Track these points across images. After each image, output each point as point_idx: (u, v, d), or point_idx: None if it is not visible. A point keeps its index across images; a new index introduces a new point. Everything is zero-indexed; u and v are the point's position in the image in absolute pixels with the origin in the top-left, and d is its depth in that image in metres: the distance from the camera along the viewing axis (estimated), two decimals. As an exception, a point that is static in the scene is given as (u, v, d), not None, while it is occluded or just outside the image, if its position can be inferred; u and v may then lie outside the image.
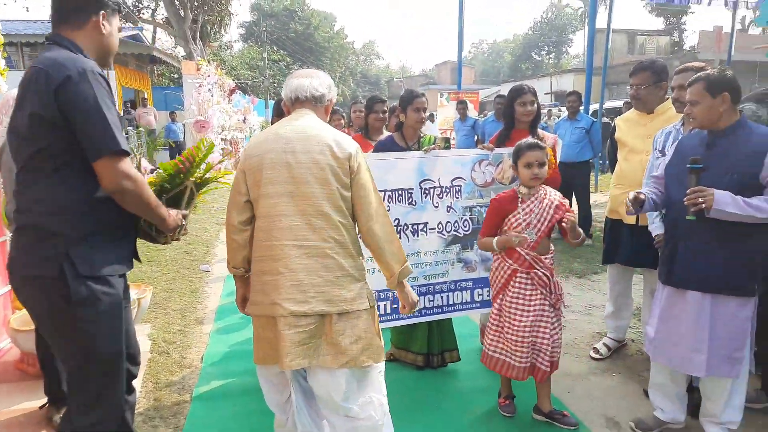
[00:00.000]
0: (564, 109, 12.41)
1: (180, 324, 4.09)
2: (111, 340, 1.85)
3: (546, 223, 2.63)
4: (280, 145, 1.97)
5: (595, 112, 9.80)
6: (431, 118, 12.80)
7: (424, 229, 3.17)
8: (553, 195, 2.71)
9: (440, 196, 3.18)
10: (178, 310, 4.38)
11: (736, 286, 2.29)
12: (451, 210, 3.20)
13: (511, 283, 2.67)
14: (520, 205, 2.66)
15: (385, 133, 3.77)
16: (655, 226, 2.90)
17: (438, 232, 3.19)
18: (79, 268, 1.72)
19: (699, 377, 2.48)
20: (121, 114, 11.29)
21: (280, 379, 2.14)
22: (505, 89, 23.70)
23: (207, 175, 2.28)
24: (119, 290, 1.85)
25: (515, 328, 2.64)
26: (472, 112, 10.41)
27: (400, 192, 3.09)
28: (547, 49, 50.38)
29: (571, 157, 6.31)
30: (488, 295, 3.16)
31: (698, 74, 2.37)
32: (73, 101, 1.68)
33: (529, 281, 2.63)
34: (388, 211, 3.04)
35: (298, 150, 1.96)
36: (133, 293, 3.60)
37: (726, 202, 2.16)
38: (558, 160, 3.40)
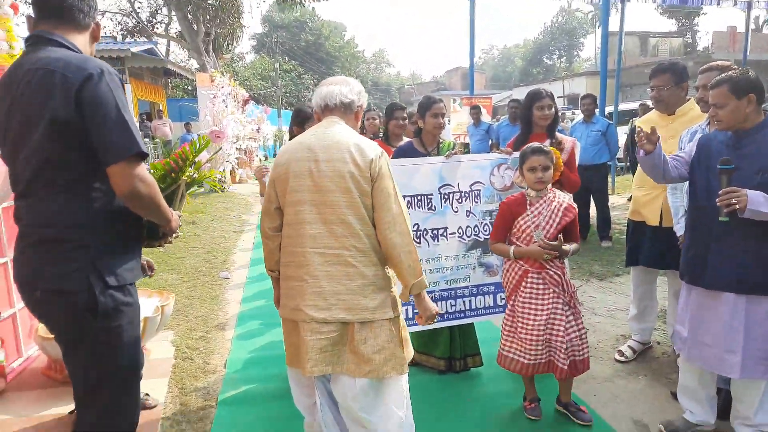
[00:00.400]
0: (577, 112, 12.36)
1: (202, 330, 4.12)
2: (132, 349, 1.86)
3: (555, 225, 2.65)
4: (304, 154, 2.00)
5: (610, 115, 9.73)
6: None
7: (444, 234, 3.17)
8: (562, 197, 2.72)
9: (459, 200, 3.19)
10: (200, 316, 4.41)
11: (770, 286, 2.25)
12: (471, 214, 3.20)
13: (523, 283, 2.70)
14: (528, 207, 2.70)
15: (405, 140, 3.78)
16: (680, 226, 2.87)
17: (458, 236, 3.19)
18: (107, 279, 1.72)
19: (730, 378, 2.45)
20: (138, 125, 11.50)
21: (308, 382, 2.16)
22: (517, 93, 23.63)
23: (194, 175, 2.29)
24: (137, 298, 1.87)
25: (529, 326, 2.65)
26: (486, 117, 10.41)
27: (419, 197, 3.10)
28: (558, 53, 50.26)
29: (588, 159, 6.27)
30: (511, 299, 3.15)
31: (721, 76, 2.34)
32: (95, 102, 1.62)
33: (541, 281, 2.66)
34: (408, 216, 3.05)
35: (320, 158, 1.97)
36: (156, 300, 3.65)
37: (759, 202, 2.13)
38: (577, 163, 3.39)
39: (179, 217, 2.04)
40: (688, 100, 3.22)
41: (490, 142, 8.86)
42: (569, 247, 2.68)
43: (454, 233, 3.19)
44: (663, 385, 3.12)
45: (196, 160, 2.22)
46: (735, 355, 2.30)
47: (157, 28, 22.41)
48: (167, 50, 24.58)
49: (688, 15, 35.81)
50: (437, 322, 3.15)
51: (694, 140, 2.61)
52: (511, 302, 2.77)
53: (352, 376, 1.97)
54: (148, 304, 3.58)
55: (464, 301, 3.24)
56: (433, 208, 3.14)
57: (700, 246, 2.42)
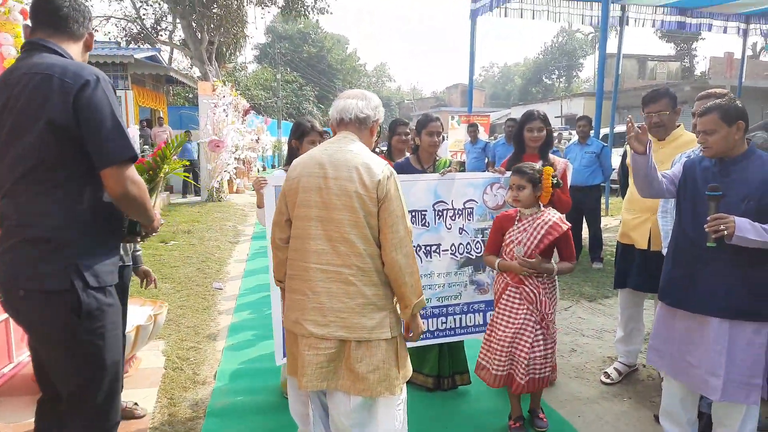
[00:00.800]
0: (575, 132, 12.48)
1: (193, 340, 4.14)
2: (115, 350, 1.89)
3: (535, 242, 2.73)
4: (314, 170, 2.02)
5: (605, 137, 9.85)
6: (442, 139, 12.92)
7: (437, 250, 3.22)
8: (550, 216, 2.79)
9: (453, 218, 3.24)
10: (192, 326, 4.43)
11: (755, 312, 2.30)
12: (464, 232, 3.25)
13: (504, 295, 2.83)
14: (517, 223, 2.83)
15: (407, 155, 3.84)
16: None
17: (451, 253, 3.24)
18: (89, 279, 1.75)
19: (710, 402, 2.48)
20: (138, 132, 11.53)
21: (305, 392, 2.18)
22: (515, 112, 23.86)
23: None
24: (117, 299, 1.91)
25: (498, 337, 2.78)
26: (483, 135, 10.51)
27: (414, 213, 3.15)
28: (557, 73, 50.74)
29: (582, 181, 6.35)
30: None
31: (710, 104, 2.40)
32: (91, 107, 1.68)
33: (517, 295, 2.77)
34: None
35: (329, 175, 1.98)
36: (149, 309, 3.67)
37: (747, 229, 2.19)
38: (569, 184, 3.46)
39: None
40: (678, 126, 3.29)
41: (486, 160, 8.95)
42: (549, 265, 2.76)
43: (447, 250, 3.23)
44: (647, 408, 3.16)
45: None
46: (717, 378, 2.34)
47: (161, 35, 22.57)
48: (170, 57, 24.74)
49: (687, 40, 36.30)
50: (427, 339, 3.19)
51: (680, 162, 2.66)
52: (494, 313, 2.90)
53: (347, 392, 1.99)
54: (140, 312, 3.61)
55: (455, 319, 3.28)
56: (427, 224, 3.18)
57: (685, 270, 2.47)
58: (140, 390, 3.25)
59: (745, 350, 2.32)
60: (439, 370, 3.35)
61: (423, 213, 3.18)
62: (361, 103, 2.12)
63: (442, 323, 3.25)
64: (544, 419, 2.92)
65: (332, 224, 1.97)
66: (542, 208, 2.85)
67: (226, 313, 4.87)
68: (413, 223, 3.14)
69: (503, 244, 2.86)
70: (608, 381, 3.47)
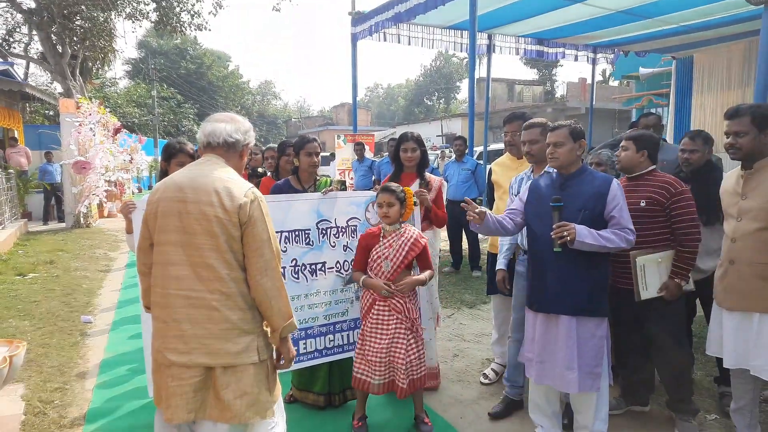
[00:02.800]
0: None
1: (59, 381, 3.76)
2: None
3: (401, 257, 2.92)
4: (174, 194, 1.96)
5: (481, 154, 10.57)
6: (332, 156, 13.04)
7: (323, 268, 3.25)
8: (411, 232, 3.00)
9: (336, 235, 3.30)
10: (56, 366, 4.02)
11: (594, 308, 2.62)
12: (348, 249, 3.32)
13: (372, 310, 2.95)
14: (381, 239, 2.97)
15: None
16: (502, 261, 3.32)
17: (336, 271, 3.29)
18: None
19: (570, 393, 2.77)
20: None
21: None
22: (399, 131, 24.67)
23: None
24: None
25: (374, 349, 2.90)
26: (369, 153, 10.78)
27: (297, 233, 3.17)
28: (437, 94, 53.49)
29: (459, 195, 6.77)
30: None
31: (560, 122, 2.75)
32: None
33: (386, 309, 2.93)
34: (285, 252, 3.10)
35: (189, 199, 1.93)
36: (4, 350, 3.28)
37: (585, 235, 2.50)
38: (446, 199, 3.69)
39: None
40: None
41: (373, 177, 9.19)
42: (419, 277, 2.96)
43: (332, 267, 3.28)
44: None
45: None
46: (573, 372, 2.61)
47: (14, 48, 20.37)
48: (26, 72, 22.40)
49: (548, 66, 40.20)
50: (316, 357, 3.20)
51: (525, 186, 2.99)
52: (362, 327, 3.01)
53: (215, 421, 1.94)
54: (-8, 355, 3.22)
55: (342, 336, 3.32)
56: (311, 243, 3.21)
57: (538, 275, 2.76)
58: (-7, 442, 2.89)
59: (589, 343, 2.63)
60: (330, 388, 3.36)
61: (306, 232, 3.20)
62: (230, 127, 2.08)
63: (330, 341, 3.28)
64: (429, 423, 3.05)
65: (193, 249, 1.92)
66: (403, 225, 3.03)
67: (96, 349, 4.48)
68: (296, 243, 3.16)
69: (370, 260, 2.99)
70: (486, 381, 3.71)
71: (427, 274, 3.00)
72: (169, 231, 1.94)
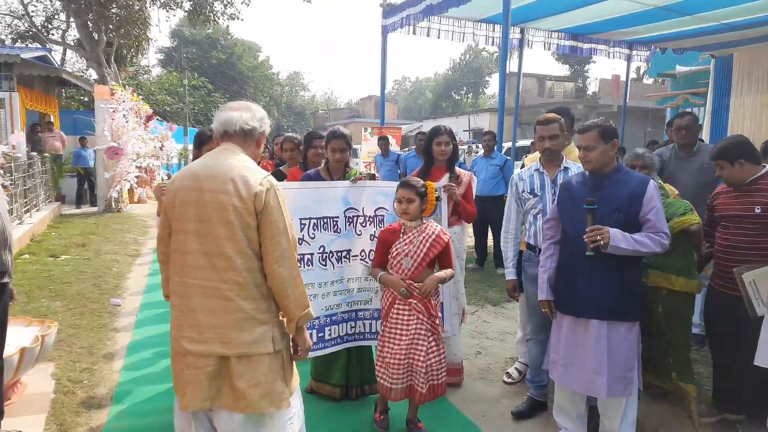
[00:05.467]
0: (481, 145, 13.11)
1: (87, 362, 3.85)
2: None
3: (422, 255, 2.79)
4: (190, 183, 1.96)
5: (509, 150, 10.43)
6: (354, 153, 13.04)
7: (348, 256, 3.25)
8: (432, 229, 2.87)
9: (363, 224, 3.29)
10: (86, 346, 4.12)
11: (626, 312, 2.55)
12: (374, 239, 3.30)
13: (393, 310, 2.84)
14: (402, 236, 2.85)
15: None
16: (509, 271, 3.27)
17: (361, 259, 3.28)
18: None
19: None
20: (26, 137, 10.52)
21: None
22: (426, 126, 24.59)
23: None
24: None
25: (393, 351, 2.78)
26: (395, 147, 10.74)
27: (325, 220, 3.16)
28: (465, 89, 52.98)
29: (487, 191, 6.70)
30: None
31: (589, 123, 2.66)
32: None
33: (406, 309, 2.80)
34: (313, 238, 3.10)
35: (205, 188, 1.92)
36: (36, 330, 3.38)
37: (619, 239, 2.42)
38: (474, 195, 3.64)
39: None
40: (570, 144, 3.57)
41: (399, 171, 9.15)
42: (441, 274, 2.82)
43: (357, 256, 3.27)
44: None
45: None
46: (602, 376, 2.55)
47: (53, 34, 20.89)
48: (63, 58, 22.95)
49: (580, 62, 39.40)
50: (337, 344, 3.20)
51: (539, 183, 2.99)
52: (382, 328, 2.91)
53: (230, 410, 1.95)
54: (26, 333, 3.32)
55: (365, 324, 3.31)
56: (339, 230, 3.21)
57: (568, 277, 2.69)
58: (26, 417, 2.97)
59: (620, 347, 2.56)
60: (347, 380, 3.35)
61: (335, 219, 3.20)
62: (245, 115, 2.07)
63: (352, 327, 3.28)
64: (423, 428, 2.98)
65: (209, 238, 1.91)
66: (425, 221, 2.91)
67: (124, 331, 4.58)
68: (325, 230, 3.16)
69: (390, 257, 2.87)
70: (510, 380, 3.66)
71: (448, 272, 2.86)
72: (186, 220, 1.95)
